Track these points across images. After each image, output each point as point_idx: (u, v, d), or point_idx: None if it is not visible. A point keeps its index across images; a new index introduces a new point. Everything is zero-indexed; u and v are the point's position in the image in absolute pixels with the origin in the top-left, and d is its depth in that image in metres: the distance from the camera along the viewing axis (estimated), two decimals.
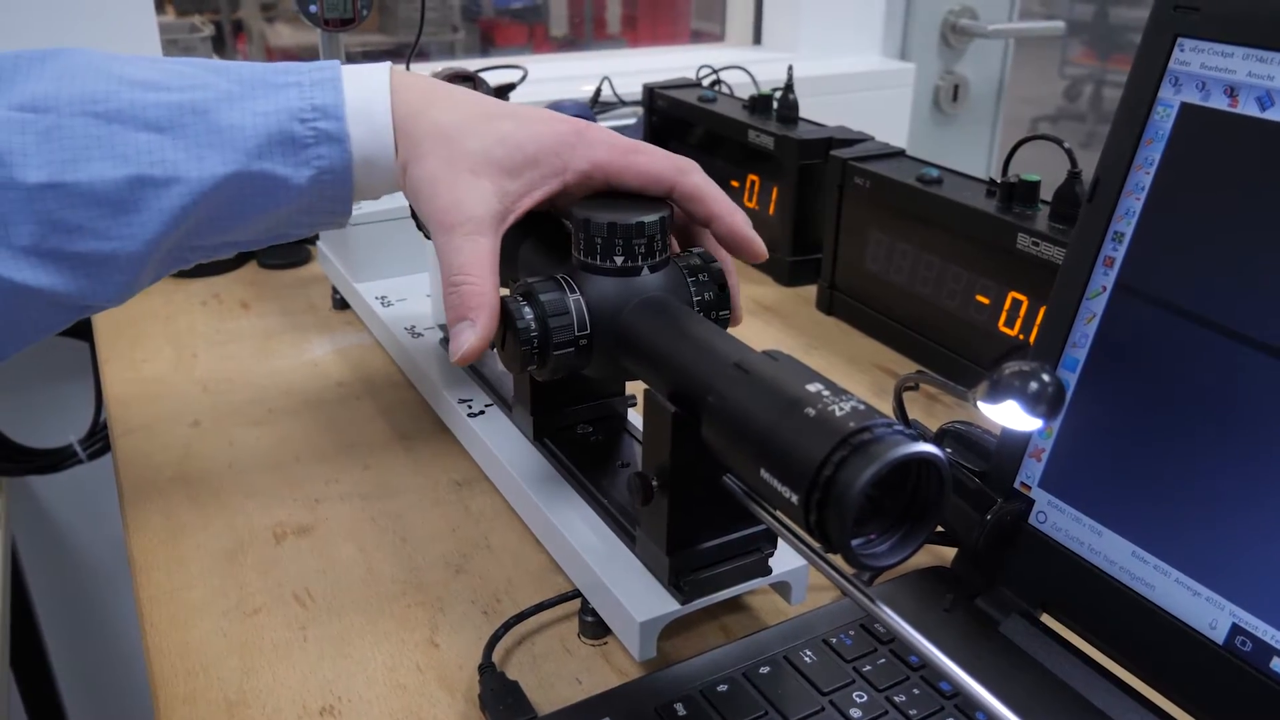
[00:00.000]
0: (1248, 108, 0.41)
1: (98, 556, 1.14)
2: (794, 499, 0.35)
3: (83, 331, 0.97)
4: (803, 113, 0.91)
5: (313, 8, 0.81)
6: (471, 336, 0.45)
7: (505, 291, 0.48)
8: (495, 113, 0.50)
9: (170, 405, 0.68)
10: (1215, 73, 0.42)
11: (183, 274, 0.88)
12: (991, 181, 0.71)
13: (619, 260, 0.46)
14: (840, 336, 0.80)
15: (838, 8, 1.40)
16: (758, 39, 1.47)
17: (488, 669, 0.45)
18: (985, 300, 0.69)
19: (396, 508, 0.57)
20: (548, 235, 0.52)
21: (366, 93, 0.48)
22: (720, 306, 0.49)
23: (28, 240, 0.44)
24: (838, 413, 0.35)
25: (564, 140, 0.49)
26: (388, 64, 0.50)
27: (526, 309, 0.46)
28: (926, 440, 0.33)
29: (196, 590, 0.51)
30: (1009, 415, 0.37)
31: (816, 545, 0.41)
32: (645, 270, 0.47)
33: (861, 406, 0.35)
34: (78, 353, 1.01)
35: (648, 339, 0.45)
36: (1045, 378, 0.37)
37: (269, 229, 0.50)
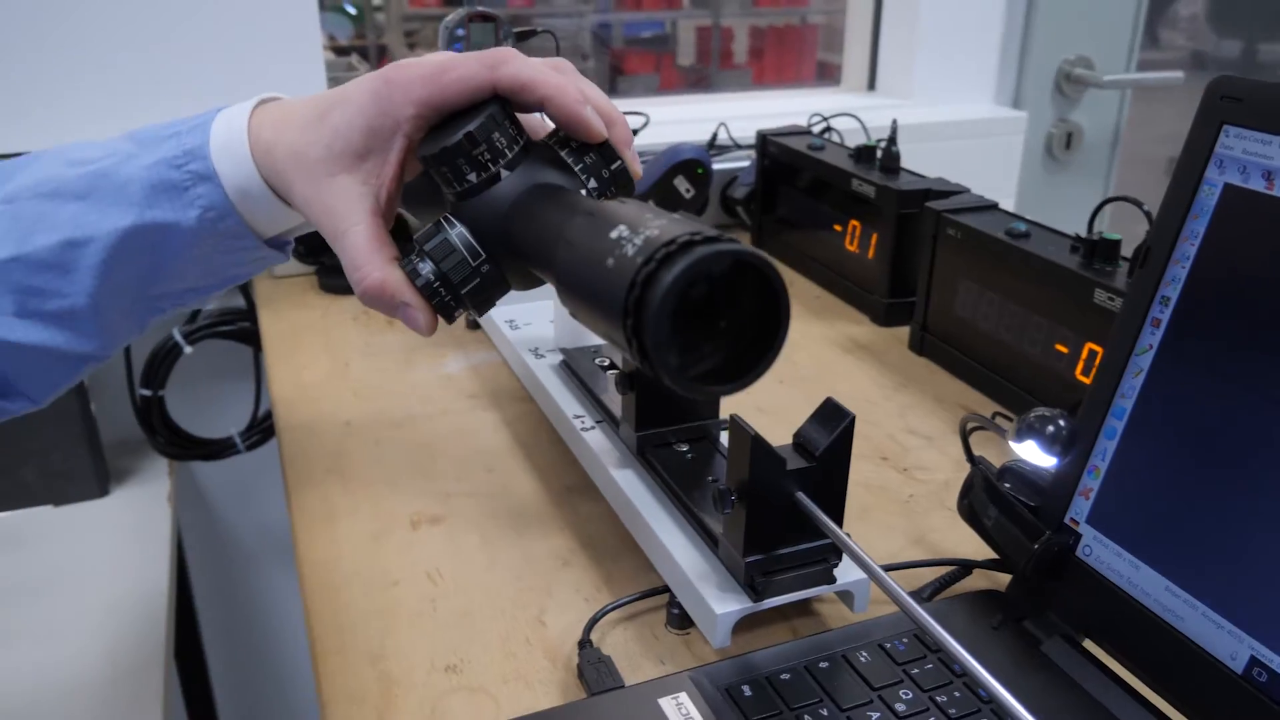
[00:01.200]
0: None
1: (248, 537, 1.26)
2: (619, 335, 0.36)
3: (249, 339, 1.10)
4: (914, 157, 0.97)
5: (457, 45, 0.91)
6: (418, 316, 0.50)
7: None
8: (324, 108, 0.50)
9: (326, 407, 0.78)
10: (1255, 158, 0.47)
11: (336, 292, 0.99)
12: (1076, 237, 0.76)
13: (472, 178, 0.47)
14: (929, 376, 0.86)
15: (952, 57, 1.45)
16: (872, 85, 1.53)
17: (586, 645, 0.52)
18: (1064, 349, 0.74)
19: (515, 506, 0.66)
20: (420, 183, 0.54)
21: (228, 130, 0.51)
22: (606, 163, 0.48)
23: (13, 307, 0.50)
24: (650, 234, 0.35)
25: (381, 98, 0.49)
26: (254, 100, 0.53)
27: (420, 264, 0.48)
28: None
29: (347, 564, 0.60)
30: (1030, 452, 0.43)
31: (874, 561, 0.48)
32: (503, 172, 0.47)
33: (672, 223, 0.36)
34: (242, 356, 1.14)
35: (522, 237, 0.45)
36: (1061, 423, 0.43)
37: (206, 273, 0.54)
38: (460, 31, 0.90)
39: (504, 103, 0.48)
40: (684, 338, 0.36)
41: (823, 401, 0.52)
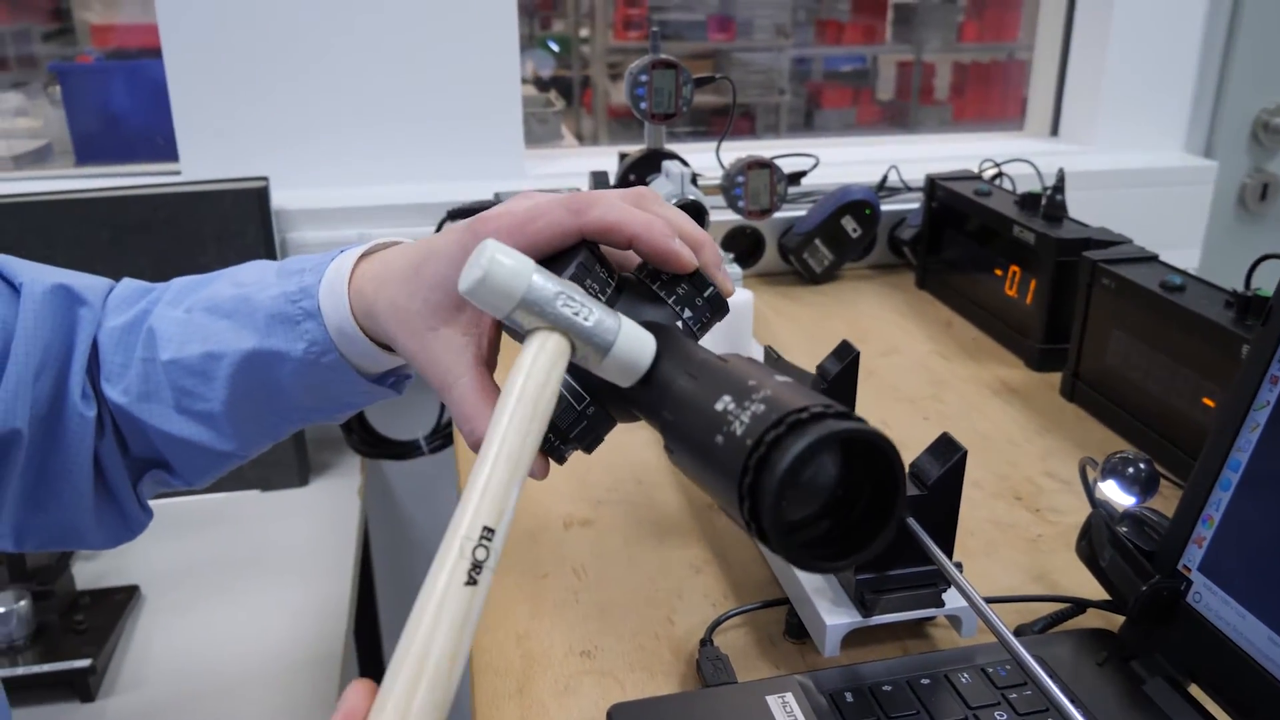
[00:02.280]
0: None
1: (425, 532, 1.38)
2: (737, 515, 0.36)
3: None
4: (1092, 206, 0.99)
5: (643, 105, 0.99)
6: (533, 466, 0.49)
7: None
8: (419, 261, 0.51)
9: None
10: None
11: None
12: (1232, 293, 0.76)
13: None
14: (1076, 423, 0.87)
15: (1140, 103, 1.43)
16: (1055, 130, 1.52)
17: (707, 643, 0.58)
18: (1211, 404, 0.74)
19: (657, 516, 0.72)
20: None
21: (336, 273, 0.54)
22: (699, 292, 0.48)
23: (172, 401, 0.55)
24: (760, 409, 0.35)
25: (467, 249, 0.47)
26: (364, 245, 0.55)
27: None
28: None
29: (505, 555, 0.67)
30: (1112, 491, 0.45)
31: (978, 591, 0.51)
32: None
33: (786, 391, 0.35)
34: None
35: (617, 387, 0.45)
36: (1140, 466, 0.45)
37: (322, 400, 0.57)
38: (644, 77, 0.98)
39: (592, 246, 0.48)
40: (800, 516, 0.36)
41: (939, 435, 0.56)
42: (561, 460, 0.50)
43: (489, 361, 0.51)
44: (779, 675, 0.55)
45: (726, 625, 0.60)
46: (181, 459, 0.58)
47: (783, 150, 1.17)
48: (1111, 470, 0.45)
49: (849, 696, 0.53)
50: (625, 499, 0.74)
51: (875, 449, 0.34)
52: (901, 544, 0.55)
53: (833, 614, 0.56)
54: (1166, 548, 0.56)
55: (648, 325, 0.45)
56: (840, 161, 1.35)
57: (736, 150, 1.09)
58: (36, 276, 0.56)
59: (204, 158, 1.17)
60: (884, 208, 1.21)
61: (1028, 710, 0.52)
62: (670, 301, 0.48)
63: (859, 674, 0.54)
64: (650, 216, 0.48)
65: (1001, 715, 0.51)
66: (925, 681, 0.54)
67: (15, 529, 0.57)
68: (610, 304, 0.46)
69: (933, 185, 1.15)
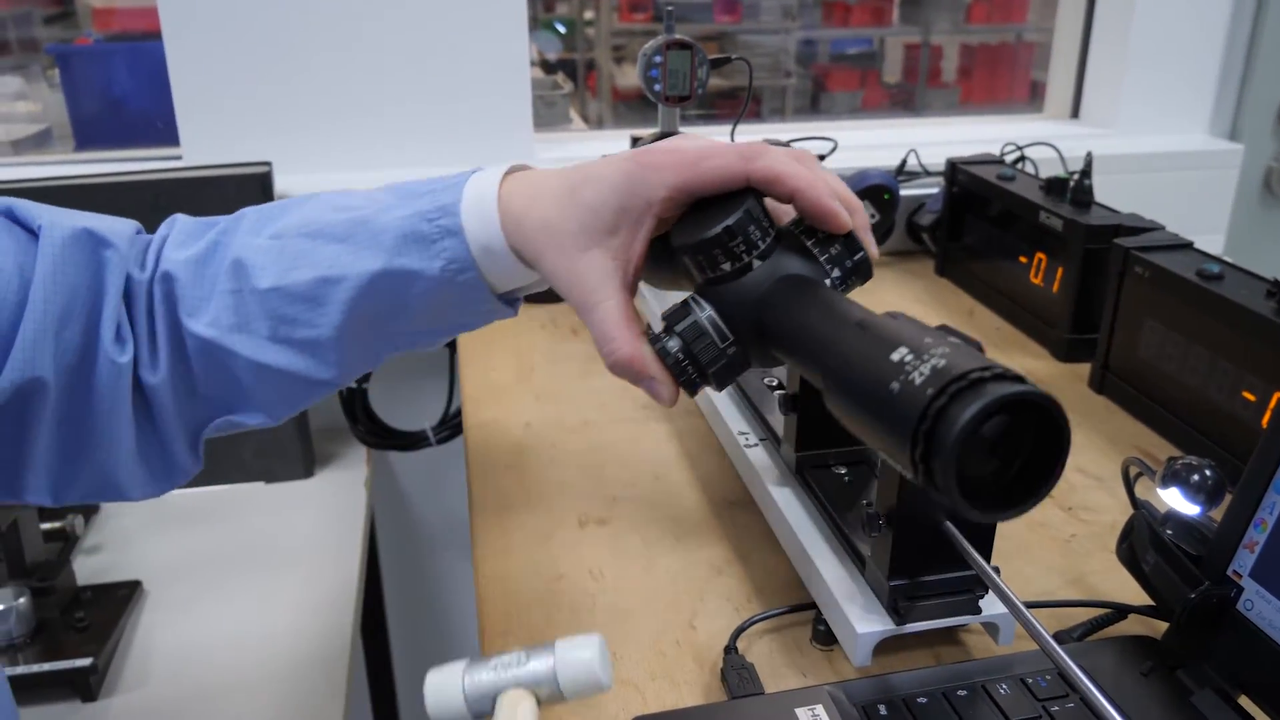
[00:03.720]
0: None
1: (433, 525, 1.35)
2: (904, 458, 0.37)
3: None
4: (1115, 190, 0.95)
5: (657, 87, 0.96)
6: (662, 389, 0.51)
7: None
8: (577, 184, 0.53)
9: (510, 408, 0.84)
10: None
11: (529, 299, 1.06)
12: (1274, 282, 0.73)
13: (727, 266, 0.49)
14: (1106, 416, 0.84)
15: (1164, 85, 1.39)
16: (1076, 113, 1.49)
17: (731, 651, 0.55)
18: (1251, 397, 0.71)
19: (677, 514, 0.69)
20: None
21: (479, 191, 0.54)
22: (851, 253, 0.50)
23: (267, 331, 0.55)
24: (939, 364, 0.37)
25: (635, 180, 0.51)
26: (504, 166, 0.56)
27: (670, 343, 0.50)
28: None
29: (517, 555, 0.65)
30: (1175, 499, 0.43)
31: (1018, 597, 0.49)
32: (755, 262, 0.49)
33: (962, 350, 0.37)
34: (439, 356, 1.22)
35: (777, 329, 0.48)
36: (1207, 473, 0.43)
37: (435, 318, 0.57)
38: (658, 58, 0.95)
39: (757, 194, 0.50)
40: (970, 467, 0.37)
41: None
42: (693, 393, 0.52)
43: (631, 288, 0.53)
44: (808, 686, 0.52)
45: (751, 631, 0.58)
46: (269, 391, 0.58)
47: (797, 133, 1.14)
48: (1174, 476, 0.43)
49: (882, 709, 0.50)
50: (643, 496, 0.71)
51: (1044, 411, 0.36)
52: (936, 548, 0.52)
53: (864, 621, 0.53)
54: (1216, 552, 0.53)
55: (799, 279, 0.48)
56: (855, 145, 1.32)
57: (749, 134, 1.06)
58: (56, 220, 0.54)
59: (206, 142, 1.15)
60: (903, 192, 1.18)
61: None
62: (822, 259, 0.49)
63: (892, 685, 0.52)
64: (813, 174, 0.50)
65: None
66: (962, 693, 0.51)
67: (52, 483, 0.55)
68: (766, 254, 0.49)
69: (954, 169, 1.12)
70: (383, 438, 1.20)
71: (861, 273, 0.50)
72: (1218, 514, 0.53)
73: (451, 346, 1.17)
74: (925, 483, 0.37)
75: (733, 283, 0.49)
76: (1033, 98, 1.55)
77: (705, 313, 0.50)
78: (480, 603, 0.61)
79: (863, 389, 0.40)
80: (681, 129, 1.03)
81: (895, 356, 0.38)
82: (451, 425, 1.22)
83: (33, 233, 0.53)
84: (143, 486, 0.59)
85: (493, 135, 1.21)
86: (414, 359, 1.23)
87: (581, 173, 0.53)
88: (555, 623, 0.59)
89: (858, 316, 0.43)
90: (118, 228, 0.57)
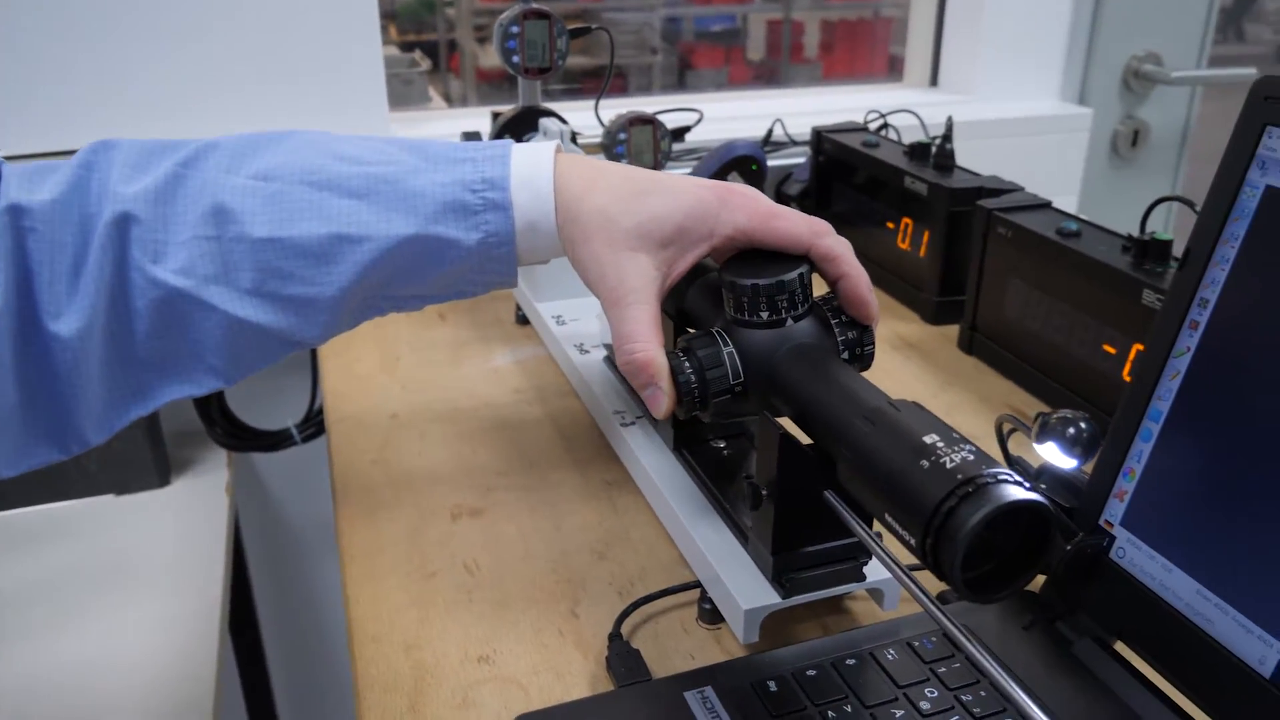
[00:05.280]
0: None
1: (303, 526, 1.30)
2: (912, 540, 0.41)
3: None
4: (975, 155, 0.96)
5: (515, 58, 0.92)
6: (663, 398, 0.53)
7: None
8: (646, 189, 0.55)
9: (375, 400, 0.80)
10: None
11: None
12: (1128, 237, 0.75)
13: (765, 315, 0.52)
14: (976, 376, 0.85)
15: (1016, 52, 1.43)
16: (935, 81, 1.51)
17: (616, 637, 0.53)
18: (1112, 350, 0.73)
19: (554, 499, 0.67)
20: (710, 284, 0.59)
21: (532, 167, 0.55)
22: (864, 343, 0.54)
23: (249, 284, 0.52)
24: (948, 464, 0.40)
25: (708, 208, 0.54)
26: (554, 144, 0.57)
27: (687, 364, 0.52)
28: (1027, 483, 0.39)
29: (387, 554, 0.61)
30: (1051, 454, 0.43)
31: (900, 560, 0.48)
32: (789, 321, 0.53)
33: (972, 456, 0.41)
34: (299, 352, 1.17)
35: (792, 387, 0.51)
36: (1081, 425, 0.43)
37: (446, 285, 0.56)
38: (515, 29, 0.91)
39: (811, 264, 0.54)
40: (971, 554, 0.40)
41: None
42: (685, 415, 0.54)
43: (662, 303, 0.55)
44: (696, 668, 0.50)
45: (636, 615, 0.56)
46: (235, 350, 0.54)
47: (663, 105, 1.12)
48: (1049, 431, 0.43)
49: (772, 685, 0.49)
50: (518, 484, 0.69)
51: (1039, 517, 0.40)
52: (818, 518, 0.51)
53: (749, 597, 0.52)
54: (1088, 503, 0.54)
55: (820, 348, 0.52)
56: (721, 117, 1.31)
57: (616, 108, 1.03)
58: None
59: (17, 132, 1.06)
60: (770, 163, 1.17)
61: (958, 684, 0.49)
62: (841, 340, 0.53)
63: (780, 660, 0.51)
64: (861, 267, 0.54)
65: (932, 692, 0.48)
66: (851, 662, 0.50)
67: None
68: (800, 317, 0.53)
69: (819, 138, 1.12)
70: (243, 439, 1.14)
71: (866, 362, 0.55)
72: (1091, 467, 0.53)
73: None
74: (932, 560, 0.40)
75: (761, 331, 0.52)
76: (891, 72, 1.57)
77: (728, 348, 0.52)
78: (349, 606, 0.57)
79: (890, 463, 0.43)
80: (545, 104, 1.00)
81: (928, 440, 0.42)
82: (316, 422, 1.17)
83: None
84: (20, 460, 0.53)
85: (344, 115, 1.16)
86: None
87: (653, 180, 0.55)
88: (430, 622, 0.56)
89: (884, 397, 0.47)
90: None
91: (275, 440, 1.15)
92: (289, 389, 1.18)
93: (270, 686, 1.31)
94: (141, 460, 1.02)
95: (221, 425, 1.12)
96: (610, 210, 0.54)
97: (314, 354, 1.15)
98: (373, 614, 0.56)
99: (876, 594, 0.54)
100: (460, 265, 0.55)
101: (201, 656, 0.84)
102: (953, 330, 0.92)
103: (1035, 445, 0.44)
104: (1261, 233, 0.47)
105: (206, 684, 0.81)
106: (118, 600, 0.89)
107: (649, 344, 0.53)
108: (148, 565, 0.94)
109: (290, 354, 0.57)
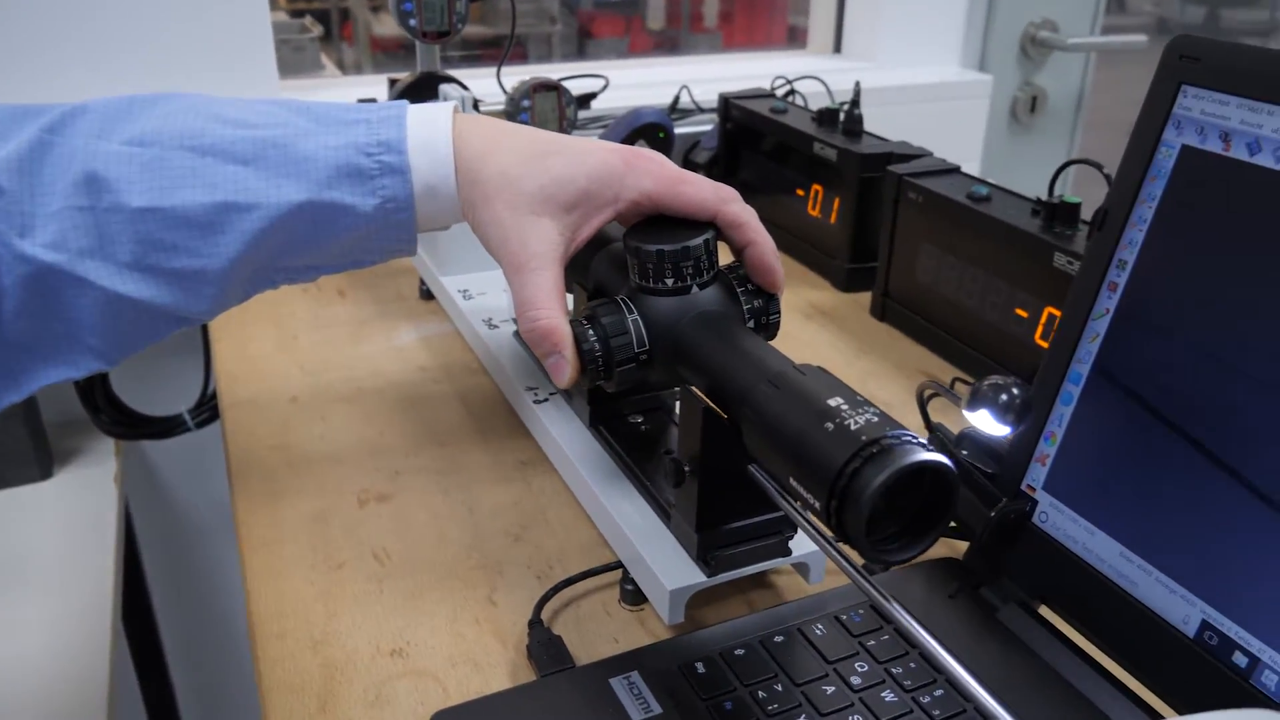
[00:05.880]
0: (1238, 152, 0.45)
1: (201, 516, 1.24)
2: (816, 503, 0.40)
3: None
4: (879, 121, 0.96)
5: (412, 21, 0.89)
6: (566, 367, 0.51)
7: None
8: (549, 150, 0.53)
9: (272, 382, 0.76)
10: (1213, 119, 0.46)
11: None
12: (1037, 201, 0.75)
13: (669, 281, 0.52)
14: (890, 342, 0.85)
15: (917, 20, 1.43)
16: (838, 48, 1.51)
17: (536, 624, 0.51)
18: (1024, 314, 0.73)
19: (466, 481, 0.64)
20: (614, 252, 0.57)
21: (429, 130, 0.52)
22: (769, 311, 0.54)
23: (129, 257, 0.49)
24: (852, 426, 0.40)
25: (614, 172, 0.53)
26: (452, 103, 0.55)
27: (591, 332, 0.51)
28: (942, 448, 0.38)
29: (290, 545, 0.58)
30: (984, 421, 0.42)
31: (828, 533, 0.47)
32: (695, 288, 0.52)
33: (876, 418, 0.40)
34: (190, 331, 1.11)
35: (698, 353, 0.50)
36: (1014, 391, 0.42)
37: (341, 254, 0.54)
38: None
39: (717, 230, 0.53)
40: (876, 516, 0.39)
41: None
42: (589, 384, 0.53)
43: (564, 268, 0.53)
44: (621, 652, 0.49)
45: (556, 599, 0.53)
46: (115, 328, 0.50)
47: (567, 72, 1.09)
48: (981, 398, 0.42)
49: (700, 667, 0.47)
50: (427, 466, 0.66)
51: (942, 478, 0.39)
52: (741, 492, 0.49)
53: (673, 576, 0.50)
54: (1009, 468, 0.53)
55: (725, 315, 0.52)
56: (627, 84, 1.28)
57: (519, 74, 1.00)
58: None
59: None
60: (677, 130, 1.15)
61: (887, 657, 0.48)
62: (746, 308, 0.53)
63: (707, 640, 0.49)
64: (768, 234, 0.54)
65: (862, 666, 0.48)
66: (779, 639, 0.49)
67: None
68: (705, 285, 0.52)
69: (727, 104, 1.10)
70: (132, 426, 1.08)
71: (771, 331, 0.54)
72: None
73: None
74: (835, 521, 0.40)
75: (666, 298, 0.52)
76: (791, 41, 1.57)
77: (633, 316, 0.51)
78: (251, 602, 0.54)
79: (794, 425, 0.42)
80: (444, 70, 0.97)
81: (832, 402, 0.41)
82: (211, 406, 1.11)
83: None
84: None
85: (231, 82, 1.10)
86: None
87: (557, 143, 0.54)
88: (338, 616, 0.53)
89: (789, 362, 0.46)
90: None
91: (166, 427, 1.10)
92: (180, 372, 1.12)
93: (172, 687, 1.25)
94: (21, 451, 0.96)
95: (107, 412, 1.05)
96: (512, 172, 0.52)
97: (205, 334, 1.09)
98: (276, 610, 0.53)
99: (803, 568, 0.53)
100: (356, 233, 0.52)
101: (93, 658, 0.79)
102: (865, 297, 0.91)
103: (966, 412, 0.43)
104: (1178, 192, 0.47)
105: (99, 686, 0.76)
106: (1, 601, 0.84)
107: (552, 311, 0.51)
108: (32, 564, 0.89)
109: (176, 331, 0.54)
